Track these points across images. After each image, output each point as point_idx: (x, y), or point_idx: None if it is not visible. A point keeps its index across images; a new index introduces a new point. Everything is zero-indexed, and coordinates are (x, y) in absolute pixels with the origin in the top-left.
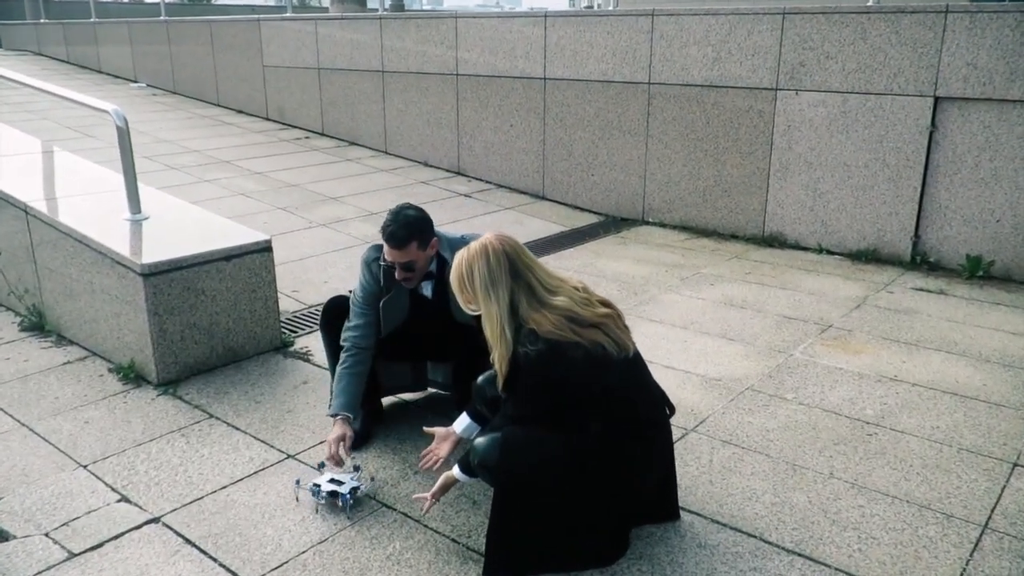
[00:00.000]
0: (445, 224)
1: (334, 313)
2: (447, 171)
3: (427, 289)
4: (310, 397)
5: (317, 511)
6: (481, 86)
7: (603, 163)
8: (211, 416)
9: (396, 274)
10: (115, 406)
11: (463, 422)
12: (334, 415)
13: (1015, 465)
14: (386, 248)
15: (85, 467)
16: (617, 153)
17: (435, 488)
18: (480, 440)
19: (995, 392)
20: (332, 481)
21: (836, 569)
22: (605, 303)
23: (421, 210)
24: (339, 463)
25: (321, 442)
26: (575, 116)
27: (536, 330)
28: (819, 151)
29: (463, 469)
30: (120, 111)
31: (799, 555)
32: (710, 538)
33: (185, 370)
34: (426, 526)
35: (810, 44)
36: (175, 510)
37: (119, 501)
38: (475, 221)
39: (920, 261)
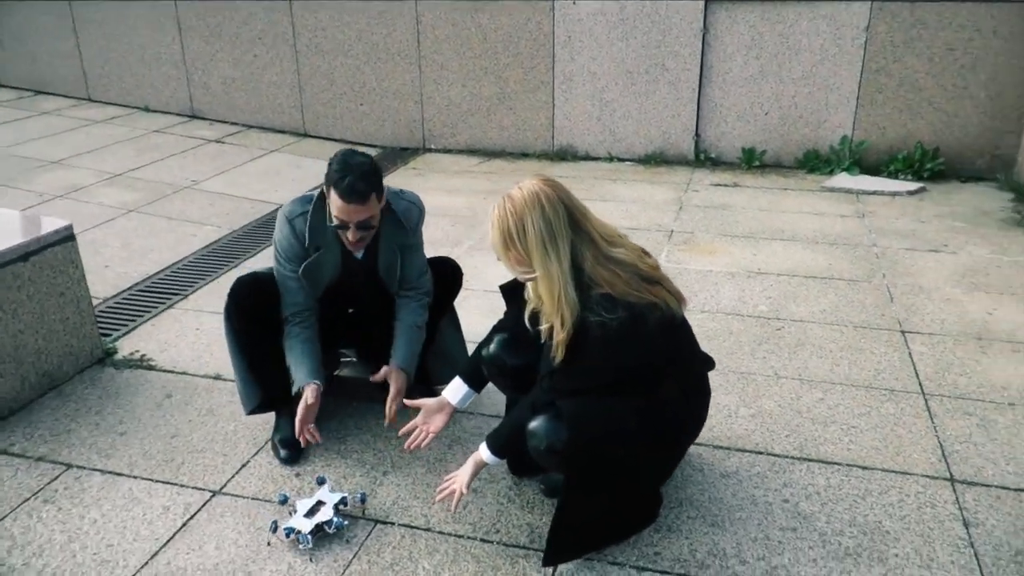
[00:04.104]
0: (212, 177)
1: (245, 296)
2: (178, 115)
3: (359, 250)
4: (189, 413)
5: (302, 550)
6: (210, 12)
7: (372, 91)
8: (70, 466)
9: (349, 235)
10: None
11: (459, 390)
12: (299, 389)
13: (903, 332)
14: (339, 205)
15: None
16: (387, 79)
17: (466, 479)
18: (537, 423)
19: (843, 270)
20: (309, 514)
21: (848, 465)
22: (645, 251)
23: (368, 155)
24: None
25: (244, 466)
26: (333, 41)
27: (611, 293)
28: (601, 60)
29: (494, 450)
30: None
31: (810, 460)
32: (725, 465)
33: None
34: (441, 532)
35: None
36: None
37: None
38: (248, 168)
39: (704, 158)
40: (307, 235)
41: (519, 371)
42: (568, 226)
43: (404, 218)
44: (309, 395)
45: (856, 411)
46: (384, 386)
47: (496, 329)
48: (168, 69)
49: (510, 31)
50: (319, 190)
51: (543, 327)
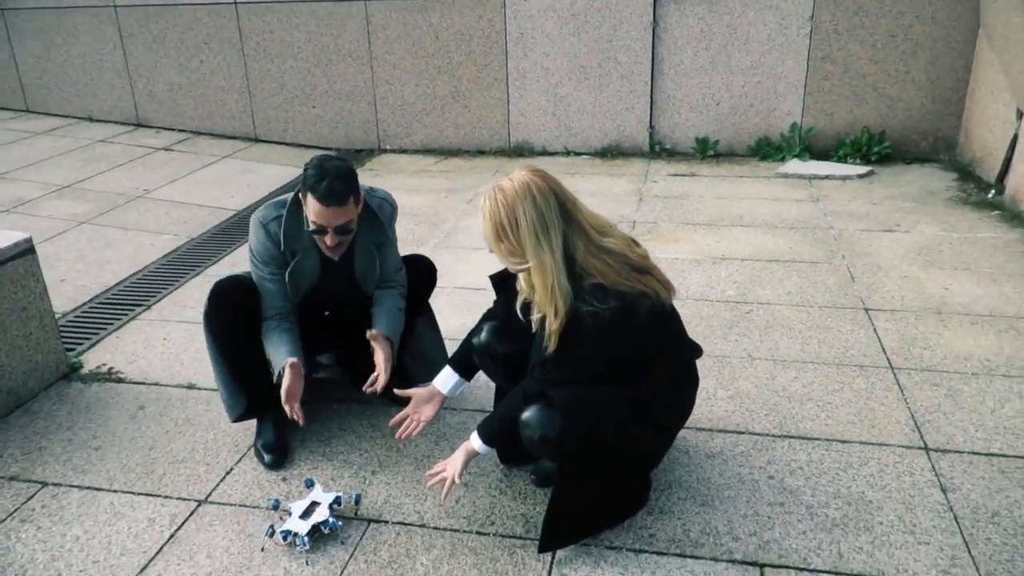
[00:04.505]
0: (163, 186)
1: (225, 300)
2: (123, 124)
3: (337, 255)
4: (165, 424)
5: (299, 553)
6: (151, 18)
7: (324, 93)
8: (45, 484)
9: (328, 240)
10: None
11: (450, 379)
12: (280, 370)
13: (866, 310)
14: (317, 209)
15: None
16: (339, 80)
17: (459, 467)
18: (530, 414)
19: (804, 253)
20: (304, 515)
21: (827, 440)
22: (635, 241)
23: (344, 159)
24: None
25: (228, 473)
26: (282, 44)
27: (603, 284)
28: (554, 56)
29: (485, 440)
30: None
31: (791, 437)
32: (709, 446)
33: None
34: (436, 528)
35: None
36: None
37: None
38: (200, 175)
39: (659, 150)
40: (282, 240)
41: (510, 359)
42: (560, 216)
43: (379, 213)
44: (289, 369)
45: (830, 388)
46: (360, 383)
47: (486, 317)
48: (110, 77)
49: (462, 29)
50: (292, 194)
51: (535, 317)
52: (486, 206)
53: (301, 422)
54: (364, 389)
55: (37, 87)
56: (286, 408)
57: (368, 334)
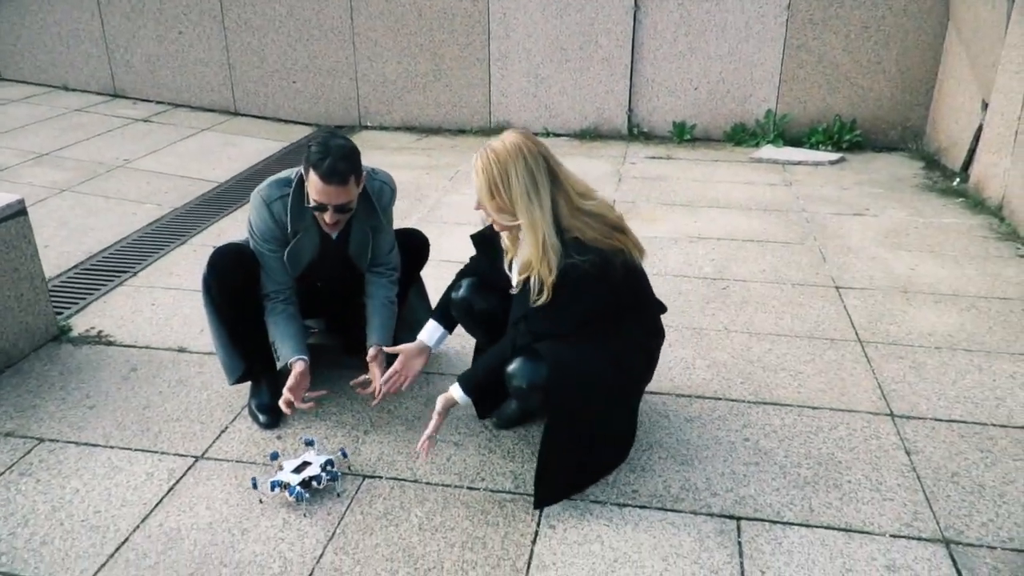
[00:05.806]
0: (143, 157)
1: (223, 268)
2: (100, 94)
3: (335, 232)
4: (158, 384)
5: (299, 505)
6: None
7: (305, 68)
8: (42, 440)
9: (327, 217)
10: None
11: (435, 331)
12: (289, 363)
13: (837, 288)
14: (319, 187)
15: None
16: (321, 56)
17: (433, 422)
18: (515, 365)
19: (776, 234)
20: (297, 471)
21: (799, 406)
22: (610, 206)
23: (347, 137)
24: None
25: (223, 431)
26: (263, 17)
27: (581, 239)
28: (536, 37)
29: (467, 389)
30: None
31: (765, 403)
32: (688, 411)
33: None
34: (428, 483)
35: None
36: (103, 566)
37: None
38: (179, 147)
39: (637, 133)
40: (288, 221)
41: (486, 314)
42: (547, 178)
43: (376, 198)
44: (299, 368)
45: (802, 359)
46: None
47: (462, 274)
48: (87, 47)
49: (445, 8)
50: (296, 174)
51: (522, 275)
52: (479, 163)
53: (309, 407)
54: (352, 386)
55: (11, 54)
56: (283, 403)
57: (368, 356)
